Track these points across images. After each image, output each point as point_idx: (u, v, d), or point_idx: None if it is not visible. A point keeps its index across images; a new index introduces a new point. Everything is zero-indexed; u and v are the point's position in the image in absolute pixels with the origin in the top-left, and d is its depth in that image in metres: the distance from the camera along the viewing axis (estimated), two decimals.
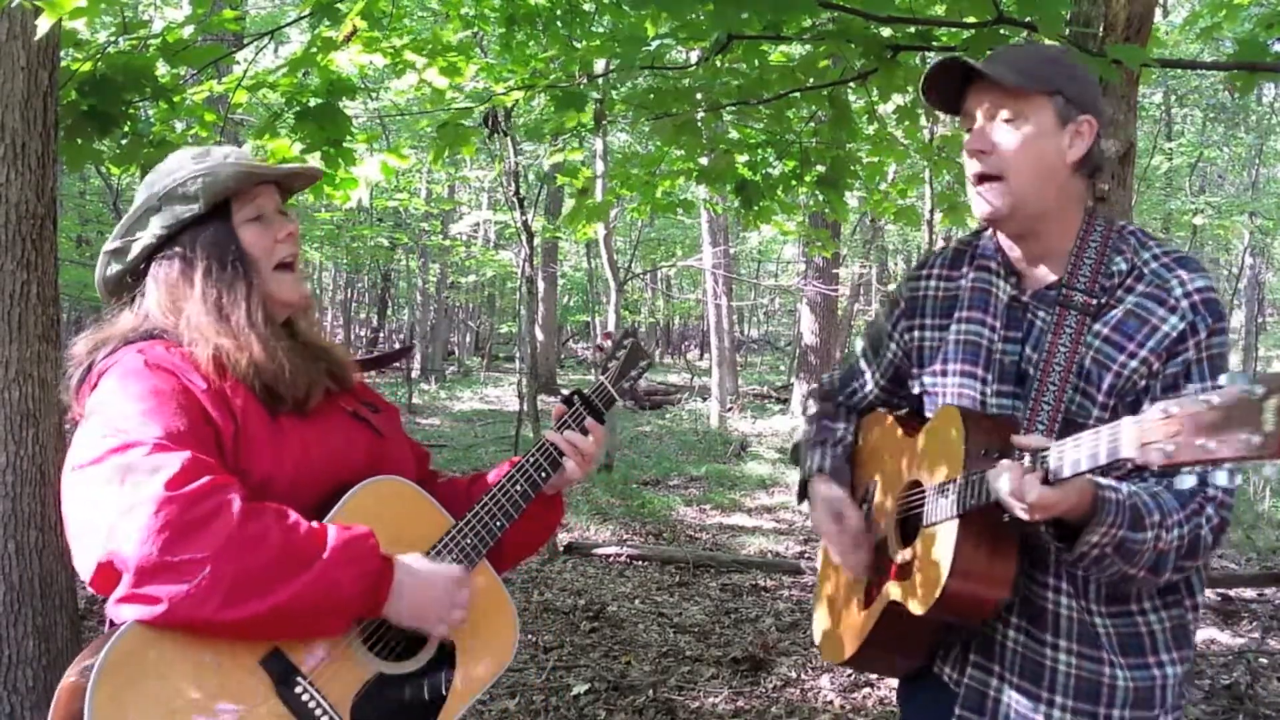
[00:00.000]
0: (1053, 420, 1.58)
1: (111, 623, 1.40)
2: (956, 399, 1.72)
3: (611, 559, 6.24)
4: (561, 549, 6.31)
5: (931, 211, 9.56)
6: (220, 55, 3.54)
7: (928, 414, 1.80)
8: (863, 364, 1.95)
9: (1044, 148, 1.58)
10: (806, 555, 6.46)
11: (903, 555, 1.68)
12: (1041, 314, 1.64)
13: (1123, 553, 1.43)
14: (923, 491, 1.66)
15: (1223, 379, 1.16)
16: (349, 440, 1.59)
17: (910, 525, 1.70)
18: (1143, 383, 1.55)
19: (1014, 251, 1.69)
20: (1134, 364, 1.55)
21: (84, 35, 3.04)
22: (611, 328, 10.64)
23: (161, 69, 3.36)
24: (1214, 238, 21.01)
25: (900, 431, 1.82)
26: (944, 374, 1.75)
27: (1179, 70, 11.44)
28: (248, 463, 1.43)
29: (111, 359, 1.49)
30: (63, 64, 2.98)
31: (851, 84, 3.37)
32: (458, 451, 10.72)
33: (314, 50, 3.51)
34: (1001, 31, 2.57)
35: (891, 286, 1.94)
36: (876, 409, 1.95)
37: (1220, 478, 1.19)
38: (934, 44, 3.05)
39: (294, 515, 1.38)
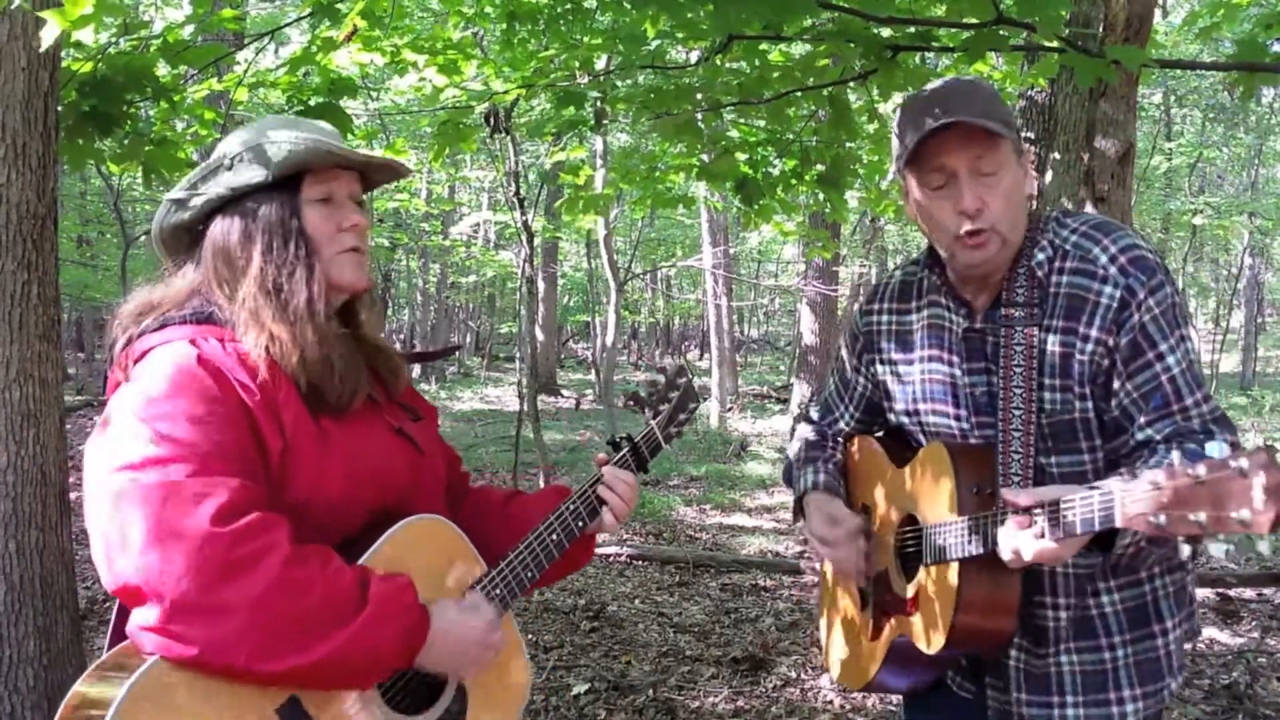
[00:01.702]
0: (1026, 434, 1.58)
1: (118, 630, 1.36)
2: (936, 437, 1.72)
3: (611, 559, 6.24)
4: None
5: None
6: (221, 55, 3.55)
7: (905, 429, 1.81)
8: (836, 399, 1.97)
9: (1018, 191, 1.59)
10: (806, 555, 6.47)
11: (907, 591, 1.69)
12: (993, 336, 1.64)
13: (1156, 541, 1.42)
14: (918, 528, 1.67)
15: (1210, 448, 1.20)
16: (390, 460, 1.51)
17: (910, 560, 1.71)
18: (1105, 362, 1.55)
19: (965, 286, 1.69)
20: (1090, 346, 1.55)
21: (89, 40, 3.04)
22: (612, 332, 10.64)
23: (162, 69, 3.36)
24: (1213, 238, 21.03)
25: (887, 458, 1.83)
26: (918, 414, 1.75)
27: (1178, 71, 11.44)
28: (291, 481, 1.36)
29: (159, 337, 1.39)
30: (63, 64, 2.98)
31: (851, 84, 3.37)
32: (458, 451, 10.72)
33: (314, 50, 3.51)
34: (1001, 32, 2.57)
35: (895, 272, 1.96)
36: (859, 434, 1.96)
37: (1215, 549, 1.21)
38: (934, 44, 3.06)
39: (336, 560, 1.32)
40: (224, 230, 1.46)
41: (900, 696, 1.94)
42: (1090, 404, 1.57)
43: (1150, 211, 16.97)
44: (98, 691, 1.24)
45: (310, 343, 1.41)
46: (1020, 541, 1.39)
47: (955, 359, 1.69)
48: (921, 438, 1.77)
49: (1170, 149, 15.93)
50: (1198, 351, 1.57)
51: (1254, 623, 4.98)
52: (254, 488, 1.29)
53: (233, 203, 1.46)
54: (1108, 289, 1.53)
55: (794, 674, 4.27)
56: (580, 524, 1.67)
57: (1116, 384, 1.54)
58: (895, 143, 1.65)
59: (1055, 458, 1.60)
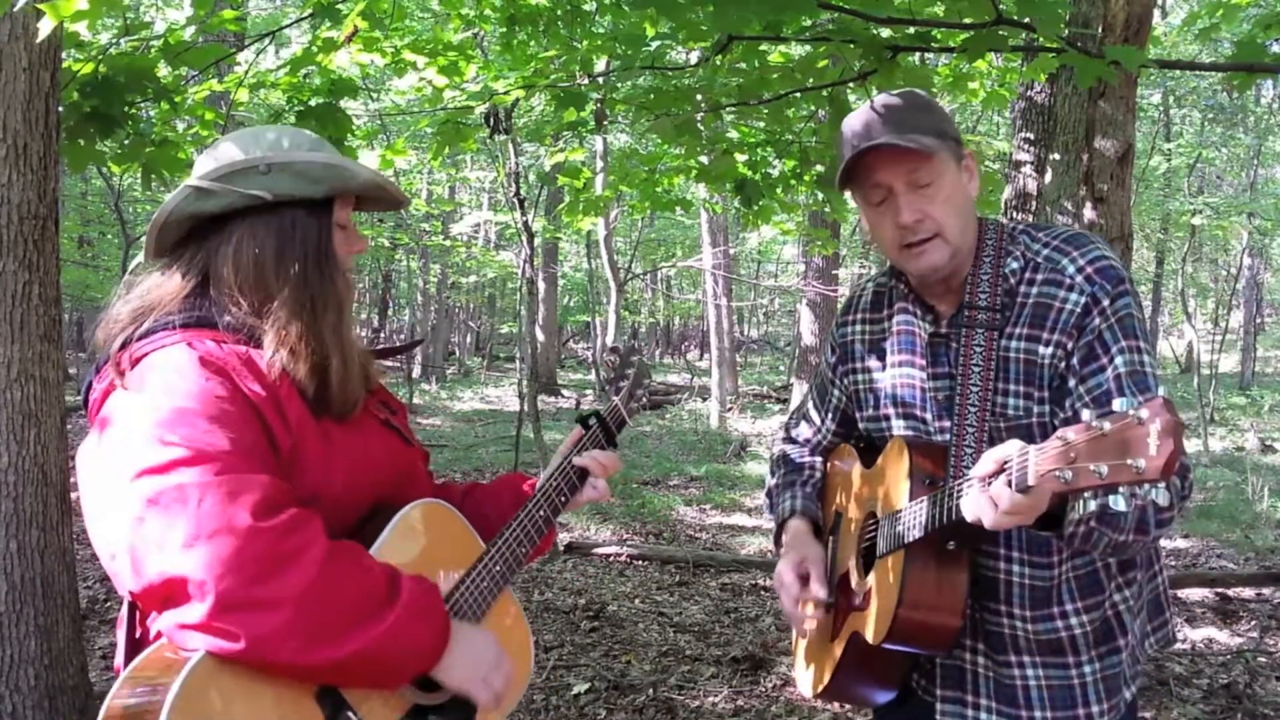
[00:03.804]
0: (980, 433, 1.61)
1: (131, 634, 1.36)
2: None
3: (611, 559, 6.24)
4: (562, 549, 6.32)
5: None
6: (222, 55, 3.55)
7: (873, 436, 1.84)
8: (813, 411, 2.00)
9: (960, 195, 1.63)
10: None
11: (862, 586, 1.71)
12: (955, 341, 1.68)
13: (1105, 521, 1.44)
14: (877, 522, 1.70)
15: (1116, 403, 1.20)
16: (386, 452, 1.54)
17: (870, 556, 1.73)
18: (1062, 365, 1.58)
19: (929, 291, 1.72)
20: (1050, 349, 1.58)
21: (86, 37, 3.05)
22: (612, 332, 10.66)
23: (163, 70, 3.37)
24: (1212, 238, 21.04)
25: (859, 463, 1.86)
26: (887, 419, 1.79)
27: (1177, 71, 11.45)
28: (299, 477, 1.37)
29: (153, 342, 1.37)
30: (64, 65, 2.99)
31: (851, 84, 3.38)
32: (459, 451, 10.73)
33: (315, 50, 3.52)
34: (1000, 33, 2.57)
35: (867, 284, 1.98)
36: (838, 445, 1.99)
37: (1117, 502, 1.19)
38: (933, 44, 3.06)
39: (367, 554, 1.34)
40: (258, 240, 1.43)
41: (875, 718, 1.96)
42: (1048, 408, 1.60)
43: (1149, 212, 16.98)
44: (141, 697, 1.24)
45: (336, 363, 1.44)
46: (1000, 496, 1.37)
47: (923, 363, 1.72)
48: (888, 440, 1.79)
49: (1169, 149, 15.94)
50: (1155, 363, 1.59)
51: (1253, 622, 4.98)
52: (282, 483, 1.29)
53: (268, 210, 1.43)
54: (1073, 296, 1.57)
55: (794, 674, 4.27)
56: (563, 500, 1.73)
57: (1071, 383, 1.57)
58: (838, 158, 1.69)
59: None
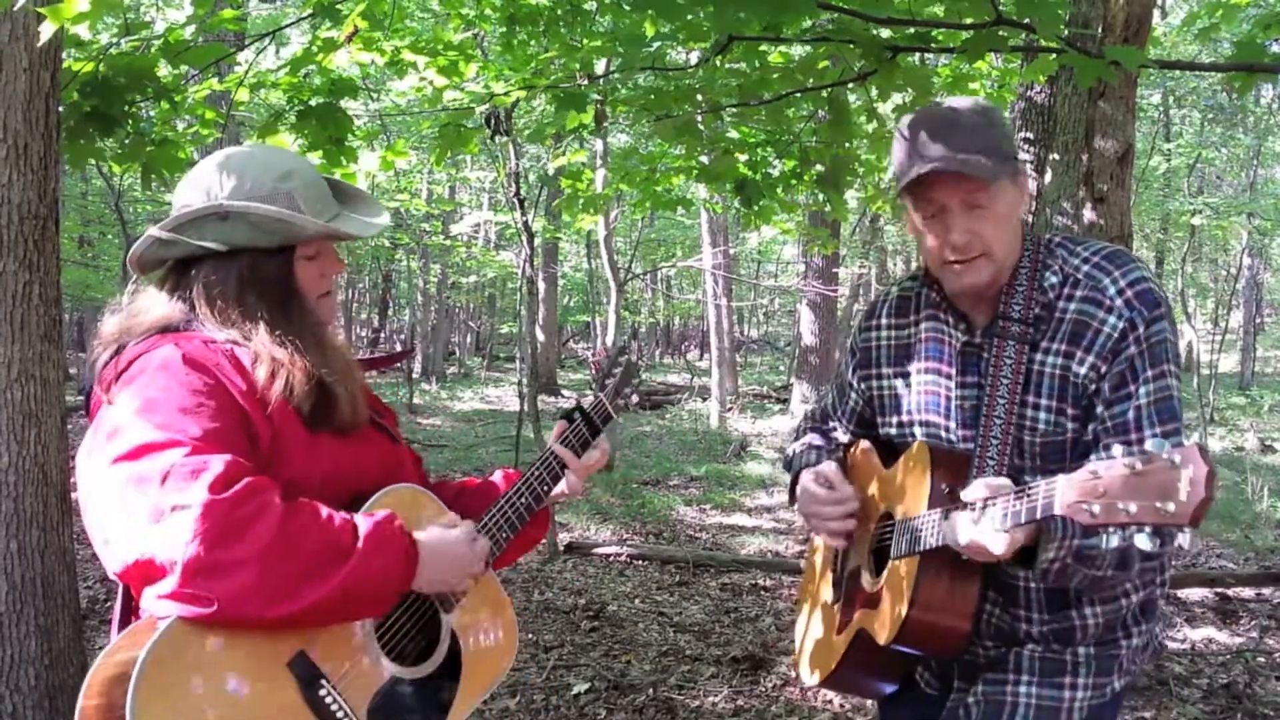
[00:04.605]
0: (1004, 444, 1.62)
1: (133, 614, 1.42)
2: None
3: (611, 558, 6.25)
4: (562, 549, 6.32)
5: None
6: (222, 55, 3.55)
7: (894, 441, 1.84)
8: (833, 408, 2.01)
9: (1012, 214, 1.62)
10: (805, 555, 6.48)
11: (873, 585, 1.73)
12: (988, 352, 1.68)
13: (1082, 559, 1.46)
14: (893, 523, 1.70)
15: (1150, 443, 1.21)
16: (372, 448, 1.61)
17: (882, 555, 1.74)
18: (1093, 386, 1.58)
19: (962, 300, 1.72)
20: (1084, 370, 1.59)
21: (86, 37, 3.05)
22: (612, 332, 10.65)
23: (163, 69, 3.37)
24: (1212, 238, 21.04)
25: (875, 459, 1.86)
26: (910, 424, 1.79)
27: (1177, 71, 11.45)
28: (279, 466, 1.44)
29: (144, 345, 1.47)
30: (65, 64, 2.99)
31: (851, 84, 3.38)
32: (459, 451, 10.73)
33: (315, 50, 3.52)
34: (1000, 33, 2.57)
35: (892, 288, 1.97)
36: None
37: (1141, 540, 1.21)
38: (933, 45, 3.06)
39: (325, 510, 1.41)
40: (219, 282, 1.52)
41: (880, 710, 1.96)
42: (1080, 426, 1.61)
43: (1149, 212, 16.98)
44: (116, 665, 1.29)
45: (327, 380, 1.51)
46: (977, 533, 1.42)
47: (952, 371, 1.72)
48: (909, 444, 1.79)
49: (1169, 149, 15.93)
50: (1179, 389, 1.60)
51: (1252, 622, 4.98)
52: (245, 463, 1.36)
53: (228, 255, 1.52)
54: (1111, 318, 1.57)
55: (794, 673, 4.27)
56: (545, 488, 1.81)
57: (1099, 409, 1.58)
58: (894, 157, 1.67)
59: (1041, 476, 1.62)
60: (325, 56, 3.52)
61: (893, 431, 1.83)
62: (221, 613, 1.28)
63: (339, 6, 3.22)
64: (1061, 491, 1.28)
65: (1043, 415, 1.62)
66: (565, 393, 17.99)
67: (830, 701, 3.97)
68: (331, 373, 1.53)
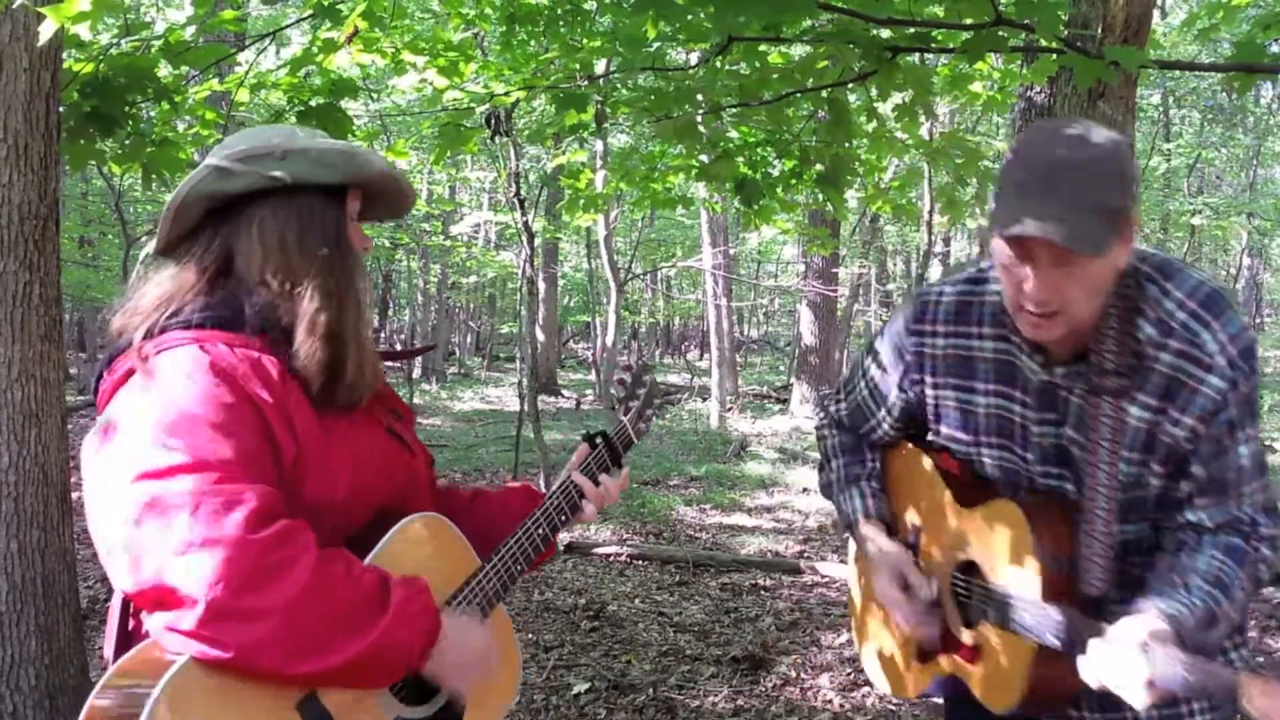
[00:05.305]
0: (1110, 501, 1.56)
1: (122, 634, 1.37)
2: (998, 471, 1.71)
3: (612, 558, 6.25)
4: (561, 548, 6.32)
5: (930, 212, 9.57)
6: (222, 55, 3.56)
7: (956, 456, 1.80)
8: (871, 408, 1.89)
9: (1105, 275, 1.47)
10: (806, 555, 6.48)
11: (969, 637, 1.70)
12: (1076, 394, 1.58)
13: (1204, 649, 1.49)
14: (976, 579, 1.69)
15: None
16: (389, 461, 1.54)
17: (964, 602, 1.72)
18: (1189, 445, 1.52)
19: None
20: (1180, 432, 1.51)
21: (86, 37, 3.05)
22: (612, 332, 10.66)
23: (164, 70, 3.37)
24: (1212, 238, 21.04)
25: (934, 471, 1.80)
26: (976, 444, 1.72)
27: (1177, 72, 11.45)
28: (302, 485, 1.38)
29: (164, 343, 1.37)
30: (65, 65, 2.99)
31: (850, 85, 3.38)
32: (459, 451, 10.73)
33: (315, 51, 3.53)
34: (1000, 33, 2.58)
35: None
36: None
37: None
38: (932, 45, 3.07)
39: (358, 564, 1.35)
40: (279, 223, 1.44)
41: (911, 696, 1.97)
42: (1163, 481, 1.56)
43: (1149, 212, 16.98)
44: (122, 700, 1.24)
45: (351, 358, 1.44)
46: (1118, 676, 1.40)
47: (1028, 402, 1.63)
48: (976, 466, 1.75)
49: (1169, 150, 15.94)
50: (1260, 437, 1.57)
51: (1253, 622, 4.99)
52: (277, 493, 1.30)
53: (286, 193, 1.44)
54: (1213, 379, 1.49)
55: (794, 673, 4.27)
56: (563, 518, 1.73)
57: (1195, 468, 1.53)
58: (998, 183, 1.52)
59: (1123, 526, 1.60)
60: (325, 57, 3.53)
61: (954, 447, 1.75)
62: (236, 661, 1.23)
63: (339, 7, 3.23)
64: (1245, 689, 1.29)
65: (1123, 467, 1.55)
66: (565, 393, 18.00)
67: (830, 701, 3.97)
68: (358, 337, 1.45)
